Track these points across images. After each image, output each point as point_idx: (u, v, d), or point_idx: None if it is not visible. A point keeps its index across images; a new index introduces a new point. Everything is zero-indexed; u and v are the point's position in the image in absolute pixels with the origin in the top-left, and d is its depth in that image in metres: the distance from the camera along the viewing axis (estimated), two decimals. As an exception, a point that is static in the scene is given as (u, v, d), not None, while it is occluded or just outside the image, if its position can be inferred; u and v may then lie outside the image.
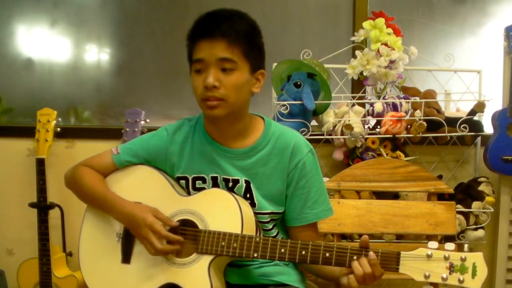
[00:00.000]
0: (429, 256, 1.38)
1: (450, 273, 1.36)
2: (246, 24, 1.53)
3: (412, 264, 1.39)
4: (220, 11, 1.54)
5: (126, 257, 1.64)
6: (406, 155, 2.49)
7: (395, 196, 2.39)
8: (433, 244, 1.39)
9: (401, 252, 1.41)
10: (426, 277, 1.37)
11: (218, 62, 1.50)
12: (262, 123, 1.66)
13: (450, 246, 1.38)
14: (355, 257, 1.43)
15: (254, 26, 1.56)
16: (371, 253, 1.41)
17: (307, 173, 1.62)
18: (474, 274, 1.35)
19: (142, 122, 2.51)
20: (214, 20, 1.51)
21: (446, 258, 1.36)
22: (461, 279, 1.35)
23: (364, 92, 2.62)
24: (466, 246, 1.40)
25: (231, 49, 1.49)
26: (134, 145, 1.73)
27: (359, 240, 1.46)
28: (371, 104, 2.50)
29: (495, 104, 2.54)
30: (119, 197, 1.64)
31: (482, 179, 2.53)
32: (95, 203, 1.69)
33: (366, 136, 2.44)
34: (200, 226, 1.56)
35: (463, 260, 1.35)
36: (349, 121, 2.39)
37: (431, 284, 1.40)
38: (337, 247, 1.45)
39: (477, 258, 1.36)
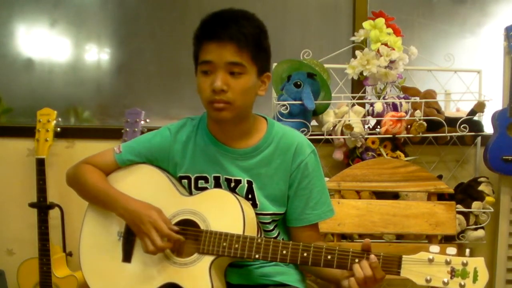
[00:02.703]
0: (430, 260, 1.38)
1: (451, 278, 1.36)
2: (254, 27, 1.52)
3: (414, 268, 1.39)
4: (227, 12, 1.53)
5: (127, 256, 1.64)
6: (406, 155, 2.49)
7: (395, 196, 2.39)
8: (435, 248, 1.39)
9: (403, 256, 1.41)
10: (428, 281, 1.37)
11: (227, 65, 1.49)
12: (265, 124, 1.67)
13: (451, 250, 1.38)
14: (356, 260, 1.43)
15: (262, 28, 1.55)
16: (372, 256, 1.41)
17: (309, 173, 1.62)
18: (475, 279, 1.35)
19: (142, 122, 2.51)
20: (223, 22, 1.49)
21: (447, 263, 1.37)
22: (462, 283, 1.35)
23: (364, 92, 2.63)
24: (467, 251, 1.40)
25: (240, 53, 1.48)
26: (136, 144, 1.73)
27: (359, 240, 1.46)
28: (371, 104, 2.50)
29: (495, 104, 2.54)
30: (123, 194, 1.64)
31: (482, 179, 2.54)
32: (98, 200, 1.68)
33: (366, 136, 2.44)
34: (202, 226, 1.56)
35: (464, 264, 1.36)
36: (349, 121, 2.39)
37: (432, 288, 1.40)
38: (339, 250, 1.45)
39: (478, 263, 1.36)
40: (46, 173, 2.48)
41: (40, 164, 2.48)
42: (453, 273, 1.36)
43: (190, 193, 1.66)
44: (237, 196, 1.57)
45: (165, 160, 1.69)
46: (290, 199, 1.64)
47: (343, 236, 2.30)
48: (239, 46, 1.47)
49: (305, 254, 1.47)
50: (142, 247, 1.57)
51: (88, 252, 1.71)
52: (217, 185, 1.63)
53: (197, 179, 1.65)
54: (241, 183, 1.62)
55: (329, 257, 1.45)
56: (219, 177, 1.63)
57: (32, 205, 2.51)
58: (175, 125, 1.71)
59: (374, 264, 1.40)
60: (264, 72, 1.58)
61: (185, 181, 1.67)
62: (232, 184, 1.62)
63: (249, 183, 1.61)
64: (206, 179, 1.64)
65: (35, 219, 2.49)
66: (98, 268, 1.68)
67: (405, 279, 1.39)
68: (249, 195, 1.62)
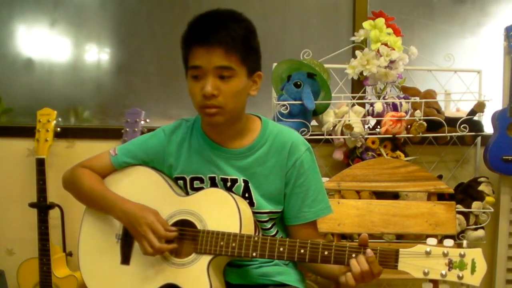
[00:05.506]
0: (428, 253, 1.37)
1: (449, 270, 1.36)
2: (242, 29, 1.51)
3: (411, 261, 1.39)
4: (214, 15, 1.52)
5: (126, 258, 1.64)
6: (406, 155, 2.48)
7: (395, 196, 2.38)
8: (432, 240, 1.39)
9: (400, 249, 1.40)
10: (425, 273, 1.37)
11: (216, 70, 1.49)
12: (259, 123, 1.67)
13: (449, 242, 1.38)
14: (353, 255, 1.43)
15: (249, 28, 1.55)
16: (368, 250, 1.41)
17: (305, 171, 1.62)
18: (473, 270, 1.35)
19: (142, 122, 2.51)
20: (210, 26, 1.49)
21: (445, 255, 1.36)
22: (460, 275, 1.35)
23: (364, 92, 2.62)
24: (465, 242, 1.40)
25: (228, 56, 1.48)
26: (132, 146, 1.74)
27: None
28: (371, 104, 2.50)
29: (495, 104, 2.54)
30: (119, 196, 1.64)
31: (482, 179, 2.53)
32: (95, 203, 1.69)
33: (366, 136, 2.44)
34: (199, 226, 1.56)
35: (462, 256, 1.35)
36: (349, 121, 2.39)
37: (430, 281, 1.40)
38: (336, 245, 1.45)
39: (476, 254, 1.36)
40: (46, 173, 2.48)
41: (40, 164, 2.48)
42: (450, 265, 1.36)
43: (187, 194, 1.66)
44: (234, 195, 1.57)
45: (160, 161, 1.69)
46: (286, 197, 1.64)
47: (343, 236, 2.30)
48: (227, 49, 1.47)
49: (302, 251, 1.47)
50: (140, 249, 1.57)
51: (86, 255, 1.71)
52: (213, 185, 1.64)
53: (192, 179, 1.65)
54: (237, 183, 1.62)
55: (326, 253, 1.45)
56: (214, 177, 1.63)
57: (32, 205, 2.51)
58: (170, 126, 1.71)
59: (371, 259, 1.40)
60: (254, 72, 1.58)
61: (180, 182, 1.68)
62: (229, 184, 1.62)
63: (245, 182, 1.62)
64: (201, 180, 1.65)
65: (35, 219, 2.49)
66: (97, 271, 1.68)
67: (406, 279, 1.38)
68: (246, 194, 1.62)
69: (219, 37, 1.47)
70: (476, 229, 2.46)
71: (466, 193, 2.50)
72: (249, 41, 1.53)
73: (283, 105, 2.37)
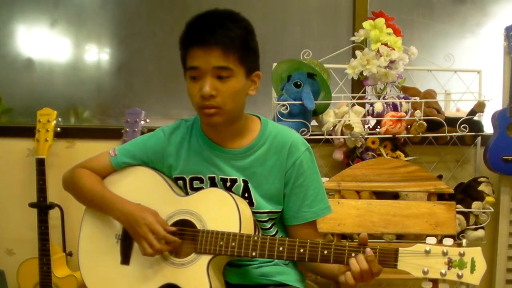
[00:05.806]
0: (427, 252, 1.37)
1: (448, 269, 1.35)
2: (240, 29, 1.51)
3: (411, 260, 1.38)
4: (212, 15, 1.52)
5: (125, 259, 1.64)
6: (406, 155, 2.48)
7: (395, 196, 2.38)
8: (432, 239, 1.39)
9: (399, 248, 1.40)
10: (425, 273, 1.37)
11: (214, 70, 1.49)
12: (259, 123, 1.67)
13: (448, 241, 1.38)
14: (353, 254, 1.43)
15: (247, 28, 1.55)
16: (368, 250, 1.41)
17: (305, 171, 1.62)
18: (473, 269, 1.35)
19: (142, 122, 2.51)
20: (208, 26, 1.49)
21: (444, 254, 1.36)
22: (460, 274, 1.35)
23: (364, 92, 2.62)
24: (464, 241, 1.40)
25: (226, 57, 1.48)
26: (131, 146, 1.74)
27: (359, 240, 1.45)
28: (371, 104, 2.49)
29: (495, 104, 2.54)
30: (118, 197, 1.64)
31: (482, 179, 2.53)
32: (94, 203, 1.69)
33: (366, 136, 2.44)
34: (198, 226, 1.56)
35: (461, 255, 1.35)
36: (349, 121, 2.39)
37: (430, 280, 1.39)
38: (335, 245, 1.45)
39: (475, 253, 1.36)
40: (46, 173, 2.48)
41: (40, 164, 2.48)
42: (450, 264, 1.36)
43: (186, 194, 1.66)
44: (233, 195, 1.57)
45: (159, 161, 1.70)
46: (286, 197, 1.64)
47: (343, 236, 2.30)
48: (225, 50, 1.47)
49: (301, 250, 1.47)
50: (140, 250, 1.57)
51: (86, 256, 1.71)
52: (213, 185, 1.64)
53: (192, 180, 1.66)
54: (237, 182, 1.62)
55: (325, 252, 1.45)
56: (214, 177, 1.63)
57: (32, 205, 2.51)
58: (169, 127, 1.72)
59: (370, 258, 1.40)
60: (253, 72, 1.58)
61: (180, 182, 1.68)
62: (228, 184, 1.62)
63: (245, 182, 1.62)
64: (201, 180, 1.65)
65: (35, 219, 2.49)
66: (97, 271, 1.68)
67: (405, 279, 1.38)
68: (246, 194, 1.62)
69: (216, 38, 1.47)
70: (476, 229, 2.46)
71: (466, 193, 2.50)
72: (247, 41, 1.53)
73: (283, 105, 2.37)
